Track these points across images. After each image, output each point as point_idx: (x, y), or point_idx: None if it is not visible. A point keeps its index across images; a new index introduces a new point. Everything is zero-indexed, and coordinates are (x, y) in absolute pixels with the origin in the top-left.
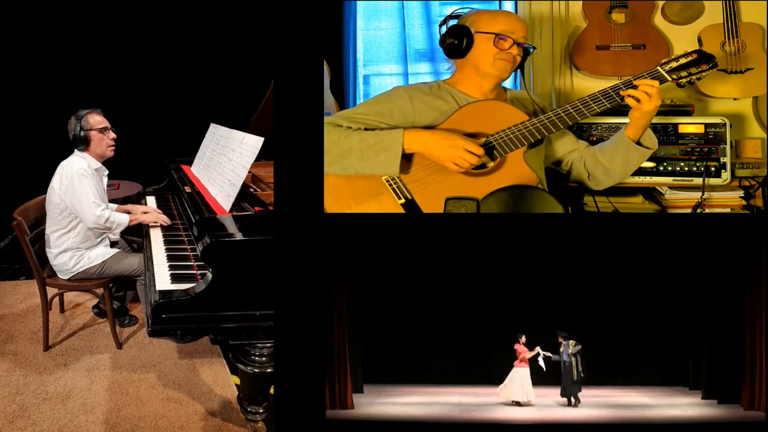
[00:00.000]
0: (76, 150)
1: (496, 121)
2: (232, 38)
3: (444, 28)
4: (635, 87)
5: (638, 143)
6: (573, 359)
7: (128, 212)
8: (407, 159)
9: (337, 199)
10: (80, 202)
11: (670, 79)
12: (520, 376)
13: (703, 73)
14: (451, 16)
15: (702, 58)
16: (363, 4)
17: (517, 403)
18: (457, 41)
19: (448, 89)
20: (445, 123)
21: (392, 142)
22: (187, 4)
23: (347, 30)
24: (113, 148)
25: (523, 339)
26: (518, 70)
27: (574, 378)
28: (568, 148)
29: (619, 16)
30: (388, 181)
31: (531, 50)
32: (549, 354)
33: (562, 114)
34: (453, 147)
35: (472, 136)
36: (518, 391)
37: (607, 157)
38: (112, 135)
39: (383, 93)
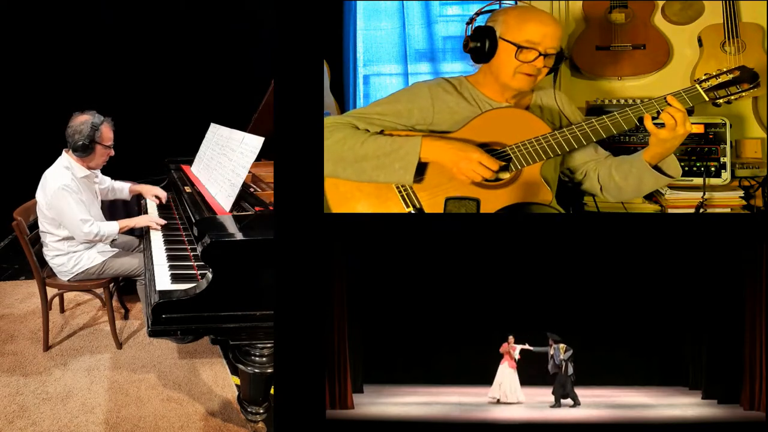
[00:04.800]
0: (65, 153)
1: (517, 131)
2: (233, 38)
3: (470, 28)
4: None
5: (657, 168)
6: (564, 364)
7: (140, 193)
8: (421, 167)
9: (347, 202)
10: (68, 220)
11: (707, 98)
12: (507, 376)
13: (743, 93)
14: (480, 12)
15: (745, 76)
16: (363, 4)
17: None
18: (479, 44)
19: (471, 90)
20: (463, 129)
21: (409, 151)
22: (187, 4)
23: (347, 30)
24: (105, 162)
25: (512, 339)
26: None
27: (565, 382)
28: (586, 157)
29: (618, 16)
30: (398, 188)
31: (564, 57)
32: (529, 347)
33: (587, 129)
34: (468, 159)
35: (489, 144)
36: (508, 393)
37: (621, 174)
38: (111, 152)
39: (404, 90)
